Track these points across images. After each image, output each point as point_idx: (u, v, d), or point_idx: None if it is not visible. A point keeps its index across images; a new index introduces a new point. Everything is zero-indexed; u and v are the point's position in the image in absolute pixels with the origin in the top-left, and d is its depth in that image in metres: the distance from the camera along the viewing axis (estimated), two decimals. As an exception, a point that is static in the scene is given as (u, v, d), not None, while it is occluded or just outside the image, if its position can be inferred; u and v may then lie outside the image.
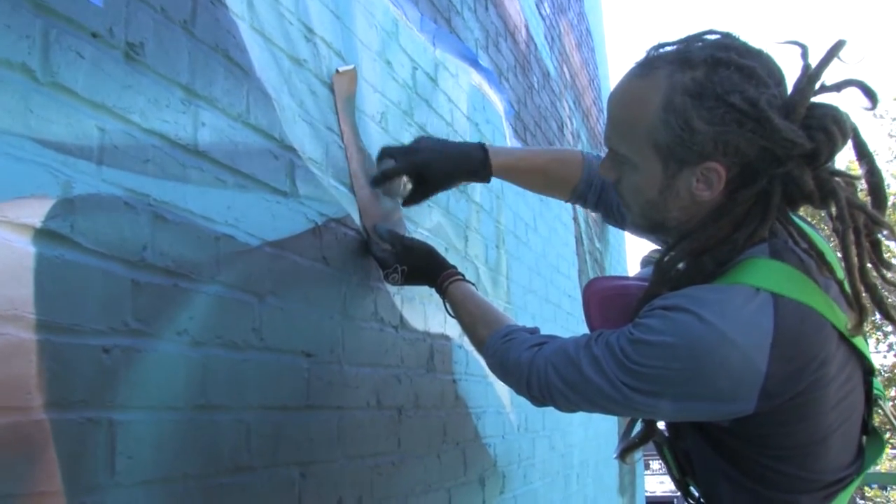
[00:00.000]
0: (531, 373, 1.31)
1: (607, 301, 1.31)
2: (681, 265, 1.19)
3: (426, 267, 1.76)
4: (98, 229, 1.07)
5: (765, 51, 1.14)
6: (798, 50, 1.13)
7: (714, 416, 1.13)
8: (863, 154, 1.13)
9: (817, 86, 1.11)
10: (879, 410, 1.26)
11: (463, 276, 1.73)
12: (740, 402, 1.08)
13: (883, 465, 16.14)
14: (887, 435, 1.28)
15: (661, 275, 1.20)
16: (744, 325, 1.07)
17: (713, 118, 1.09)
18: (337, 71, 1.81)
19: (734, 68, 1.09)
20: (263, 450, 1.40)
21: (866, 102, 1.12)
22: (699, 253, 1.17)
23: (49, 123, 1.00)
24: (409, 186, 1.74)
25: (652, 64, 1.16)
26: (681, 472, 1.32)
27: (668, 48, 1.17)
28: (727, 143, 1.09)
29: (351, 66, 1.86)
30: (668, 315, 1.10)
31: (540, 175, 1.79)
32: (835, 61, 1.12)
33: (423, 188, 1.75)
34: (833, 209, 1.11)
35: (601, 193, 1.72)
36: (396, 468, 1.93)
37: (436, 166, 1.71)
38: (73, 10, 1.04)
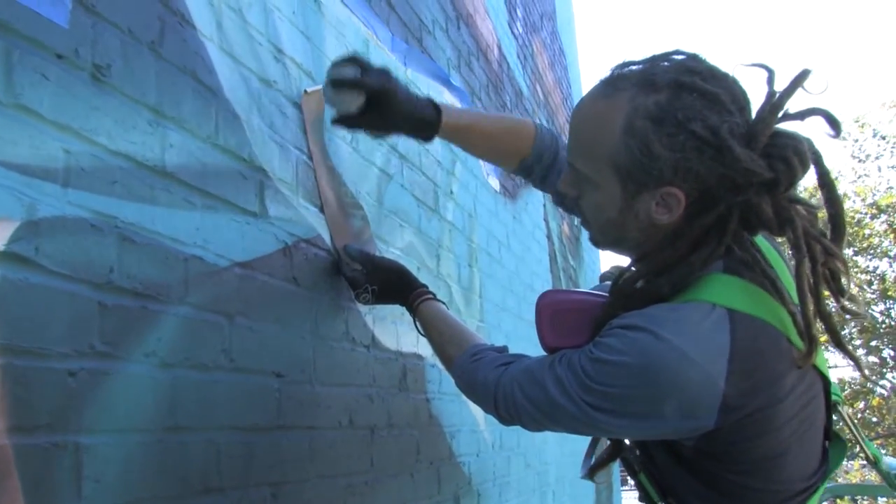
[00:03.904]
0: (498, 392, 1.33)
1: (559, 315, 1.30)
2: (638, 285, 1.20)
3: (397, 286, 1.76)
4: (64, 252, 1.06)
5: (731, 75, 1.14)
6: (764, 74, 1.13)
7: (676, 433, 1.14)
8: (824, 183, 1.14)
9: (780, 114, 1.11)
10: (839, 417, 1.27)
11: (434, 294, 1.73)
12: (700, 418, 1.09)
13: (853, 476, 16.25)
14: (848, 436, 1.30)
15: (619, 295, 1.22)
16: (700, 342, 1.08)
17: (673, 144, 1.09)
18: (305, 91, 1.81)
19: (697, 94, 1.09)
20: (234, 471, 1.39)
21: (830, 131, 1.12)
22: (656, 274, 1.18)
23: (13, 145, 0.99)
24: (360, 104, 1.55)
25: (616, 84, 1.16)
26: (661, 494, 1.30)
27: (634, 67, 1.16)
28: (687, 169, 1.09)
29: (319, 87, 1.86)
30: (627, 334, 1.11)
31: (488, 141, 1.71)
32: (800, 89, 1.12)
33: (369, 117, 1.56)
34: (791, 236, 1.12)
35: (549, 171, 1.68)
36: (370, 488, 1.92)
37: (394, 100, 1.56)
38: (37, 31, 1.04)
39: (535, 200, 4.67)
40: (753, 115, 1.13)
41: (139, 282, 1.20)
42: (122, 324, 1.16)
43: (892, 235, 18.47)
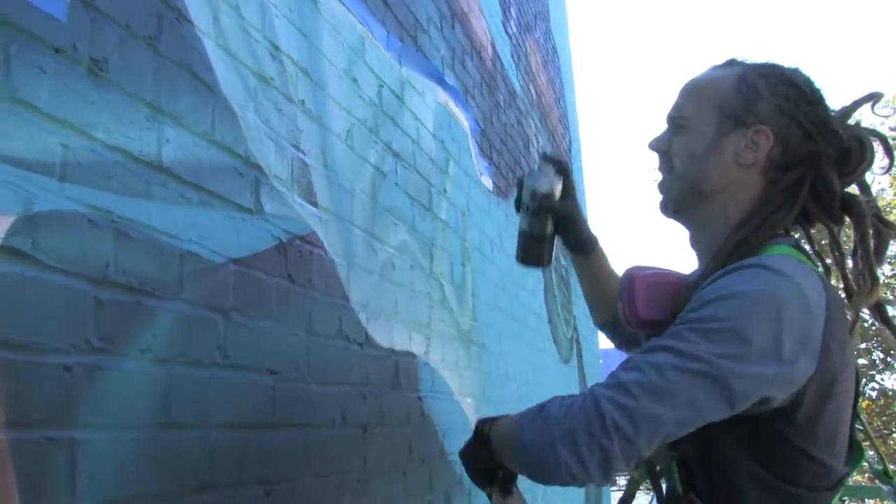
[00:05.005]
0: (588, 420, 1.08)
1: (653, 286, 1.32)
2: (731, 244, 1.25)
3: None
4: (60, 246, 1.06)
5: None
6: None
7: (785, 381, 1.10)
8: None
9: (852, 119, 1.28)
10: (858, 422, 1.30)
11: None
12: (810, 355, 1.10)
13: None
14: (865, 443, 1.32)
15: (720, 253, 1.24)
16: (807, 280, 1.14)
17: (777, 90, 1.25)
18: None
19: (798, 72, 1.29)
20: (228, 468, 1.39)
21: (885, 158, 1.28)
22: (748, 234, 1.24)
23: (10, 139, 0.99)
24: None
25: (731, 62, 1.33)
26: (686, 488, 1.23)
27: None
28: (782, 112, 1.24)
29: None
30: (736, 273, 1.14)
31: (609, 283, 1.67)
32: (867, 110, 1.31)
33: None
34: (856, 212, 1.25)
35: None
36: (362, 486, 1.92)
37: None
38: (35, 25, 1.04)
39: (528, 200, 4.67)
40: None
41: (135, 277, 1.20)
42: (118, 319, 1.16)
43: (881, 238, 18.61)
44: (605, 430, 1.06)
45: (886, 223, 1.26)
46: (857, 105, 1.29)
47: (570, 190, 1.57)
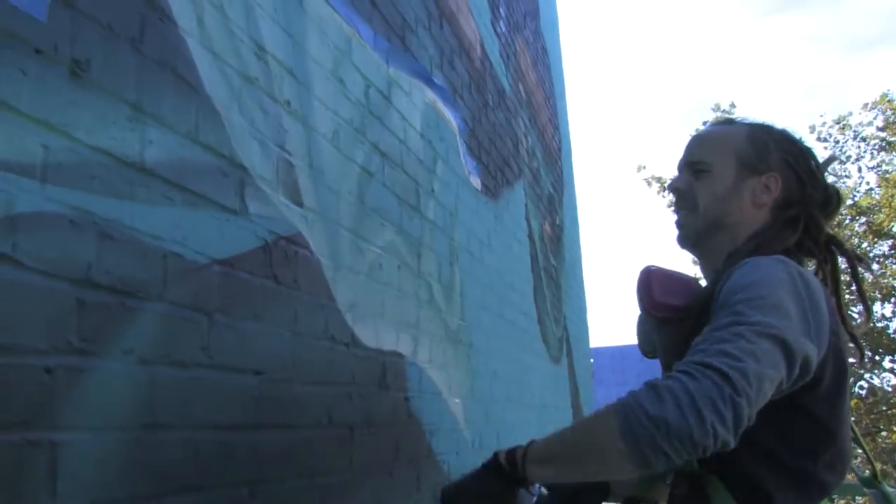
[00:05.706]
0: (716, 384, 1.12)
1: (667, 278, 1.48)
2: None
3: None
4: (42, 248, 1.05)
5: None
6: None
7: (813, 351, 1.23)
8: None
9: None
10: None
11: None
12: (824, 332, 1.26)
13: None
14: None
15: (739, 253, 1.42)
16: (810, 273, 1.34)
17: (781, 145, 1.50)
18: None
19: (790, 131, 1.56)
20: (212, 469, 1.39)
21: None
22: (754, 248, 1.42)
23: (-10, 141, 0.98)
24: None
25: (731, 121, 1.57)
26: (700, 464, 1.29)
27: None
28: (785, 163, 1.49)
29: None
30: (752, 262, 1.31)
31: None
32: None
33: None
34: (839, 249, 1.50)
35: None
36: (348, 487, 1.92)
37: None
38: (15, 25, 1.03)
39: (517, 200, 4.68)
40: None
41: (117, 278, 1.19)
42: (100, 320, 1.15)
43: (870, 237, 18.62)
44: (735, 389, 1.13)
45: (861, 259, 1.56)
46: (827, 163, 1.68)
47: None
